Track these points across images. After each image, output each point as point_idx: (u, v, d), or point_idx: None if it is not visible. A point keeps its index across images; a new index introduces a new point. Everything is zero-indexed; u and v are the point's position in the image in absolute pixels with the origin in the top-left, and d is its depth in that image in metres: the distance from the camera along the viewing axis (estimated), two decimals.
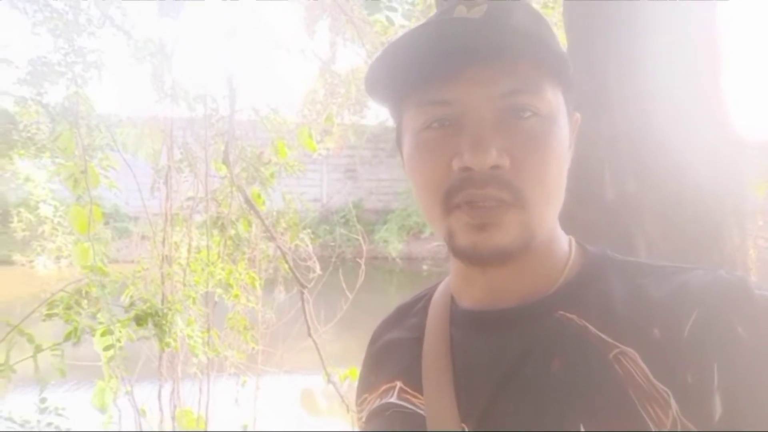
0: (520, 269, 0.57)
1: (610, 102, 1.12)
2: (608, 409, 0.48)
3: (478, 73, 0.53)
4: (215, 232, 2.71)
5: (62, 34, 2.11)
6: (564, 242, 0.61)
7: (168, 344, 2.06)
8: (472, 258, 0.55)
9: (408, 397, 0.60)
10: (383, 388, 0.64)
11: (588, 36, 1.18)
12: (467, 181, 0.52)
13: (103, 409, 1.99)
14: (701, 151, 1.09)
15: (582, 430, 0.48)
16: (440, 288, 0.68)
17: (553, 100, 0.55)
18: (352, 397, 2.72)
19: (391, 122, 0.63)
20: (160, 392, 2.77)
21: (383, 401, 0.63)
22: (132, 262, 2.90)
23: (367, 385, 0.69)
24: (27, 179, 5.07)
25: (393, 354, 0.67)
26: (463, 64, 0.53)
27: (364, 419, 0.67)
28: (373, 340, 0.72)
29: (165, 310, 2.00)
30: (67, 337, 1.79)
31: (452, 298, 0.64)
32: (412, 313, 0.69)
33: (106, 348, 1.85)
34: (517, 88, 0.53)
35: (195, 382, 2.90)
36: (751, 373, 0.47)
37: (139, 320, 1.94)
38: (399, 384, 0.62)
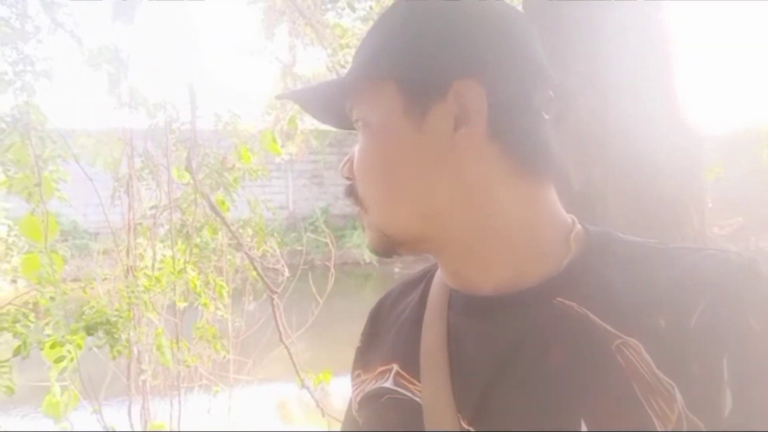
0: (472, 256, 0.56)
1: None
2: (610, 403, 0.46)
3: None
4: (180, 240, 2.65)
5: (9, 42, 2.03)
6: (554, 223, 0.57)
7: (119, 352, 2.01)
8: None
9: (404, 382, 0.58)
10: (380, 369, 0.62)
11: (547, 33, 1.21)
12: None
13: (57, 418, 1.91)
14: (660, 142, 1.13)
15: (582, 424, 0.46)
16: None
17: (376, 105, 0.57)
18: (326, 402, 2.70)
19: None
20: (129, 408, 2.69)
21: (378, 385, 0.61)
22: (94, 280, 2.81)
23: (363, 361, 0.67)
24: None
25: (392, 333, 0.65)
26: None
27: (358, 399, 0.65)
28: (376, 312, 0.70)
29: (115, 318, 1.94)
30: (16, 352, 1.72)
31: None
32: (416, 291, 0.67)
33: (57, 360, 1.78)
34: (351, 105, 0.59)
35: (166, 396, 2.83)
36: (764, 367, 0.45)
37: (89, 329, 1.89)
38: (396, 367, 0.60)
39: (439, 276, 0.64)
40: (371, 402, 0.61)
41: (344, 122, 0.63)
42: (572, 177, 1.18)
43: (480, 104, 0.53)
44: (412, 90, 0.54)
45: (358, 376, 0.67)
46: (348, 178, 0.61)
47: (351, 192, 0.60)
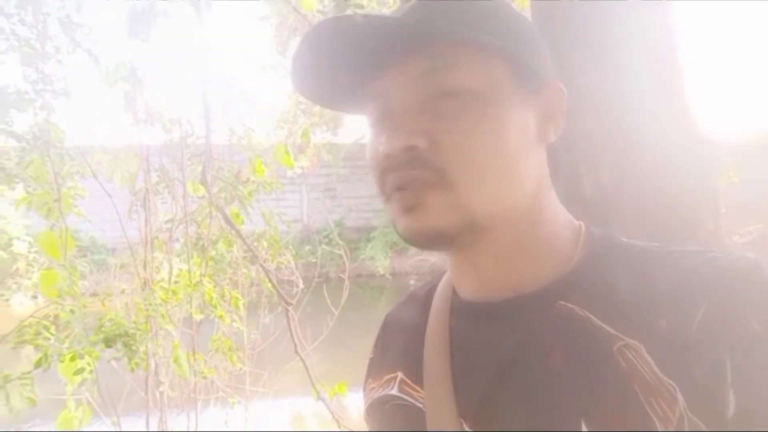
0: (504, 256, 0.56)
1: (582, 101, 1.15)
2: (611, 405, 0.46)
3: (398, 61, 0.53)
4: (195, 253, 2.68)
5: (29, 63, 2.08)
6: (565, 227, 0.59)
7: (137, 364, 2.03)
8: (410, 242, 0.54)
9: (408, 389, 0.59)
10: (386, 377, 0.63)
11: (557, 37, 1.21)
12: (389, 167, 0.53)
13: None
14: (670, 145, 1.13)
15: (583, 425, 0.46)
16: (445, 277, 0.66)
17: (484, 75, 0.53)
18: (342, 414, 2.69)
19: (366, 140, 0.63)
20: (147, 420, 2.71)
21: (384, 392, 0.62)
22: (112, 293, 2.85)
23: (372, 369, 0.69)
24: (1, 217, 4.95)
25: (397, 342, 0.66)
26: (386, 55, 0.54)
27: (367, 405, 0.66)
28: (384, 323, 0.72)
29: (132, 331, 1.96)
30: (38, 364, 1.75)
31: (453, 289, 0.63)
32: (419, 301, 0.68)
33: (77, 372, 1.80)
34: (433, 66, 0.52)
35: (183, 410, 2.85)
36: (767, 369, 0.45)
37: (108, 341, 1.91)
38: (400, 375, 0.61)
39: (442, 285, 0.65)
40: (377, 409, 0.63)
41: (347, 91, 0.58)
42: (584, 183, 1.18)
43: (564, 108, 0.57)
44: (524, 72, 0.55)
45: (367, 384, 0.68)
46: (411, 147, 0.52)
47: (418, 162, 0.52)
